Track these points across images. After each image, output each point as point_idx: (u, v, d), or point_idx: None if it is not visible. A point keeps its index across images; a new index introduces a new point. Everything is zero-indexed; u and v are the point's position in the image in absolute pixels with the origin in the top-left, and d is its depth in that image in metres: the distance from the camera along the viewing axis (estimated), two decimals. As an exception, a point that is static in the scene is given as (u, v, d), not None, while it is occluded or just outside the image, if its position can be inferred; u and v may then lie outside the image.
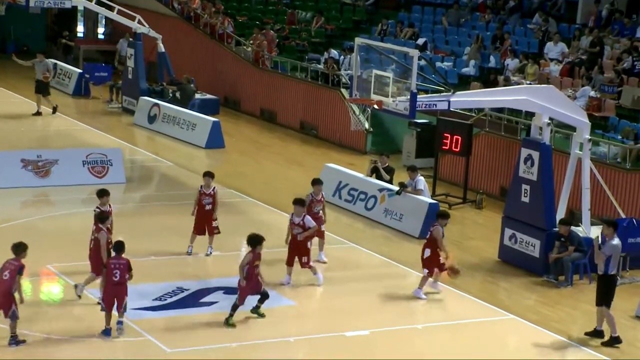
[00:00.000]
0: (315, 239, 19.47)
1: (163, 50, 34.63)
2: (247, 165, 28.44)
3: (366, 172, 24.07)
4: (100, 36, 47.45)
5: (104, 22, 46.95)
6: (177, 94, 33.78)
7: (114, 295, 15.47)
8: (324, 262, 19.79)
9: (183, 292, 17.61)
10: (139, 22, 33.98)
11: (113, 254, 15.86)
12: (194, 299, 17.37)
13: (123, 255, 15.61)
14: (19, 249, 15.09)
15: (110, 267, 15.51)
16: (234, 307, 16.27)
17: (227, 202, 23.95)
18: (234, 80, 36.09)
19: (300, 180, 26.55)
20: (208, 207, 19.79)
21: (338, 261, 19.87)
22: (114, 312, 15.53)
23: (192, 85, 34.23)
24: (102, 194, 17.89)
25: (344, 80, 31.13)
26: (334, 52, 34.06)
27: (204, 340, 15.60)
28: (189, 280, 18.15)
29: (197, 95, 34.29)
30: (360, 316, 17.18)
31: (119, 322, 15.50)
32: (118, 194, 24.67)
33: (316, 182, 20.23)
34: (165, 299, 17.22)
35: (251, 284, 16.33)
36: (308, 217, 18.28)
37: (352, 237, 21.74)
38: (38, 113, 32.53)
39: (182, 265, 19.20)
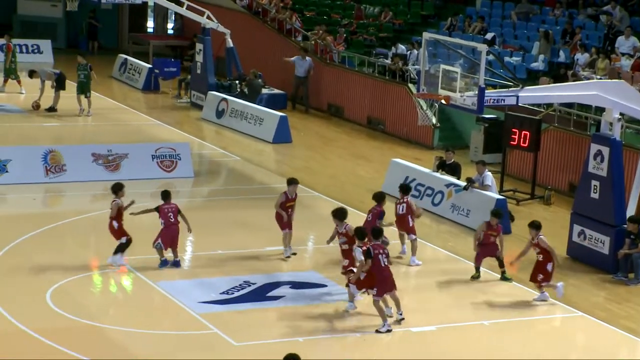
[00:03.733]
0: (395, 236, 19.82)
1: (231, 45, 34.83)
2: (313, 160, 28.50)
3: (433, 167, 23.97)
4: (170, 31, 47.89)
5: (173, 17, 47.39)
6: (245, 89, 33.98)
7: (170, 235, 18.15)
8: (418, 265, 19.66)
9: (250, 286, 17.71)
10: (208, 17, 34.24)
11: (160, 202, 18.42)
12: (260, 293, 17.46)
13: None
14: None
15: (164, 211, 18.15)
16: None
17: (294, 196, 24.08)
18: (287, 64, 36.04)
19: (367, 175, 26.57)
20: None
21: (404, 256, 19.83)
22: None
23: (259, 80, 34.41)
24: (119, 188, 18.67)
25: (411, 75, 31.06)
26: (401, 47, 33.98)
27: (270, 334, 15.68)
28: (256, 274, 18.24)
29: (265, 90, 34.47)
30: (426, 312, 17.14)
31: (176, 262, 18.36)
32: (186, 188, 24.94)
33: (404, 189, 19.90)
34: (233, 293, 17.34)
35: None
36: (358, 250, 16.36)
37: (419, 232, 21.57)
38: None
39: (249, 259, 19.30)
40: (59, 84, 31.97)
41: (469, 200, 22.44)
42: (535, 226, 17.92)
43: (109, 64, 40.94)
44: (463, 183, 22.73)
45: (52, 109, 31.89)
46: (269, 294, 17.42)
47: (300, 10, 39.33)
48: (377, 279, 16.03)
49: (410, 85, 30.84)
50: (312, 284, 18.03)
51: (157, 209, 18.28)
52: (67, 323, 15.59)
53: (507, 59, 31.09)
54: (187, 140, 28.25)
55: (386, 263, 16.06)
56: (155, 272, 17.95)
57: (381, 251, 16.02)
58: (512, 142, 24.94)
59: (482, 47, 19.01)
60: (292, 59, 34.82)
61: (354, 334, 15.97)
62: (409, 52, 33.25)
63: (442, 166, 23.74)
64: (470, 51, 19.78)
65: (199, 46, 34.24)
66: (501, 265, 18.80)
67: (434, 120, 30.10)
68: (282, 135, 30.17)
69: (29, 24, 45.70)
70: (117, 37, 47.85)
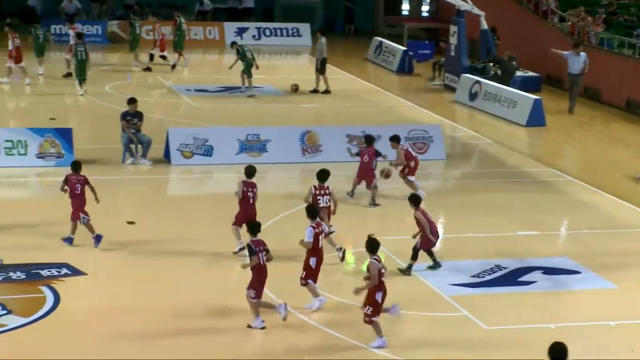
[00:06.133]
0: None
1: (486, 27, 34.58)
2: (568, 144, 27.95)
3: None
4: (424, 14, 48.08)
5: (428, 0, 47.57)
6: (499, 71, 33.67)
7: (75, 206, 17.55)
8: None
9: (501, 270, 17.60)
10: (463, 0, 34.14)
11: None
12: (512, 278, 17.32)
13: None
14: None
15: (72, 182, 17.59)
16: None
17: (546, 180, 23.74)
18: (557, 57, 35.39)
19: (624, 161, 25.77)
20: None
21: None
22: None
23: (513, 62, 34.00)
24: None
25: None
26: (664, 28, 32.65)
27: (521, 320, 15.53)
28: (507, 259, 18.09)
29: (519, 73, 34.03)
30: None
31: (99, 236, 17.60)
32: (438, 170, 25.06)
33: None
34: (483, 276, 17.29)
35: None
36: (309, 230, 15.53)
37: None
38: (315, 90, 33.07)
39: (501, 243, 19.16)
40: (322, 67, 32.87)
41: None
42: (371, 248, 14.42)
43: (364, 47, 41.71)
44: None
45: (315, 91, 32.80)
46: (520, 279, 17.25)
47: (557, -9, 38.53)
48: (255, 278, 14.82)
49: (673, 67, 29.64)
50: (565, 270, 17.69)
51: (66, 179, 17.82)
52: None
53: None
54: (439, 123, 28.35)
55: (264, 261, 14.76)
56: (406, 252, 18.08)
57: (261, 248, 14.82)
58: None
59: None
60: (564, 53, 32.35)
61: (608, 322, 15.56)
62: (672, 33, 31.92)
63: None
64: None
65: (453, 28, 34.20)
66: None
67: (698, 104, 28.79)
68: (536, 119, 29.68)
69: (290, 8, 47.17)
70: (373, 20, 48.53)
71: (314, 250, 15.54)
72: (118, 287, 16.15)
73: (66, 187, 17.80)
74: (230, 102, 31.50)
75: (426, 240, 17.16)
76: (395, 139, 21.60)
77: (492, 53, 34.67)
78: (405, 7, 49.32)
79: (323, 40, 33.07)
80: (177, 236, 18.72)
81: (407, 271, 17.19)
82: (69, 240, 17.76)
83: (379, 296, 14.12)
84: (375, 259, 14.14)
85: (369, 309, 14.10)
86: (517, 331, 15.13)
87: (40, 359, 13.62)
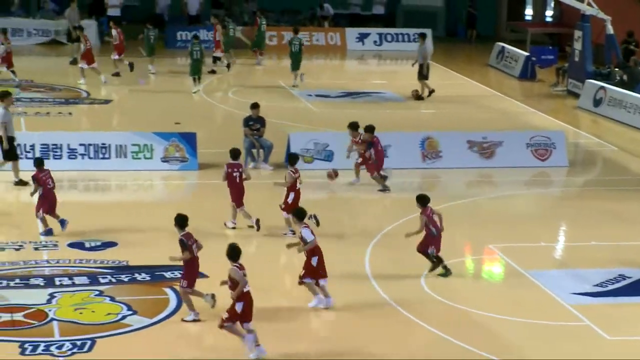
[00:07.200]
0: None
1: (611, 32, 33.90)
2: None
3: None
4: (548, 19, 47.42)
5: (552, 4, 46.88)
6: (624, 77, 32.98)
7: (51, 200, 18.30)
8: None
9: (625, 279, 17.23)
10: (588, 4, 33.55)
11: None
12: (636, 288, 16.95)
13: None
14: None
15: (42, 180, 18.25)
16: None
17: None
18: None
19: None
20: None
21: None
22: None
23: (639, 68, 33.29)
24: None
25: None
26: None
27: (646, 330, 15.23)
28: (632, 268, 17.70)
29: (645, 79, 33.28)
30: None
31: (64, 221, 18.36)
32: (560, 177, 24.69)
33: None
34: (607, 286, 16.97)
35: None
36: (305, 230, 15.57)
37: None
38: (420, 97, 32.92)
39: (625, 252, 18.77)
40: (422, 72, 32.75)
41: None
42: (232, 255, 13.93)
43: (486, 52, 41.37)
44: None
45: (431, 93, 32.68)
46: (646, 289, 16.91)
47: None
48: (187, 269, 15.02)
49: None
50: (693, 281, 17.26)
51: (34, 179, 18.43)
52: (439, 306, 15.96)
53: None
54: (562, 129, 27.93)
55: (196, 254, 15.03)
56: (527, 260, 17.87)
57: (192, 241, 14.95)
58: None
59: None
60: None
61: None
62: None
63: None
64: None
65: (577, 33, 33.65)
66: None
67: None
68: (663, 125, 29.03)
69: (411, 13, 47.19)
70: (495, 25, 48.11)
71: (315, 250, 15.54)
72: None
73: (38, 187, 18.50)
74: (351, 108, 31.61)
75: (425, 243, 16.95)
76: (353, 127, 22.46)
77: (619, 58, 33.97)
78: (529, 12, 48.73)
79: (425, 45, 33.10)
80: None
81: (446, 273, 17.05)
82: (49, 232, 18.45)
83: (239, 307, 13.73)
84: (237, 266, 13.77)
85: (227, 316, 13.79)
86: (642, 343, 14.84)
87: (163, 359, 13.92)
